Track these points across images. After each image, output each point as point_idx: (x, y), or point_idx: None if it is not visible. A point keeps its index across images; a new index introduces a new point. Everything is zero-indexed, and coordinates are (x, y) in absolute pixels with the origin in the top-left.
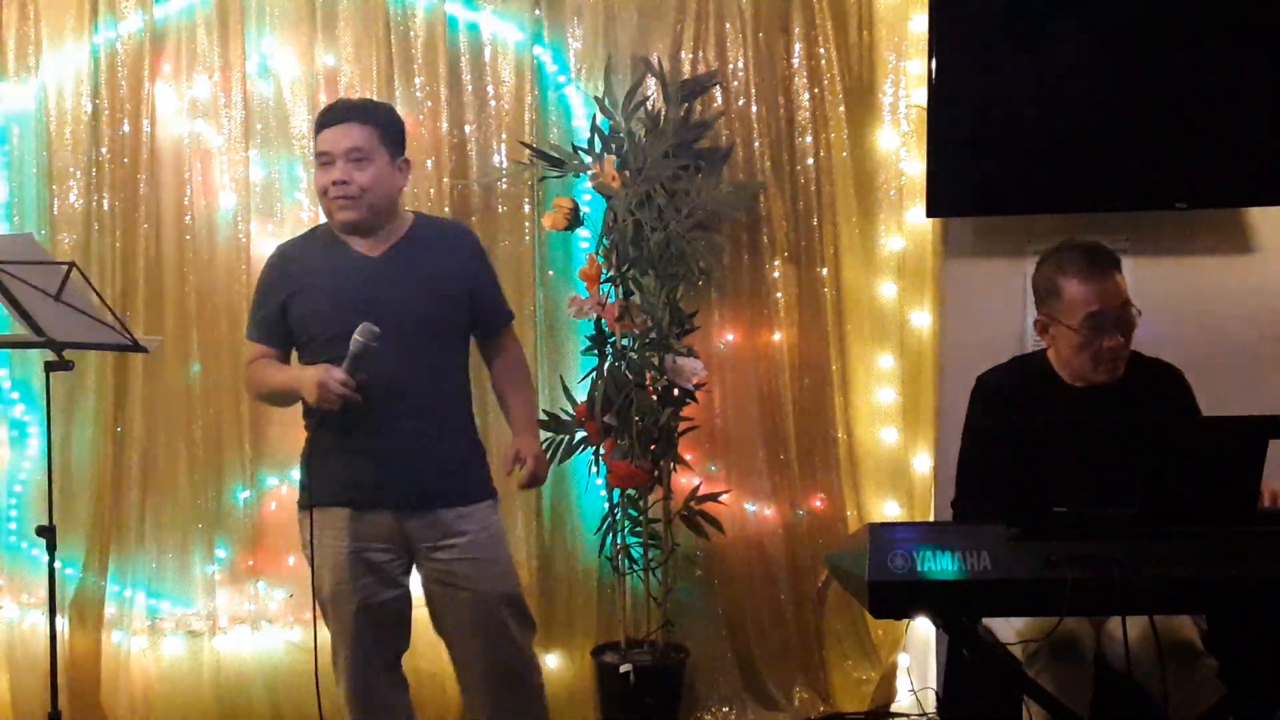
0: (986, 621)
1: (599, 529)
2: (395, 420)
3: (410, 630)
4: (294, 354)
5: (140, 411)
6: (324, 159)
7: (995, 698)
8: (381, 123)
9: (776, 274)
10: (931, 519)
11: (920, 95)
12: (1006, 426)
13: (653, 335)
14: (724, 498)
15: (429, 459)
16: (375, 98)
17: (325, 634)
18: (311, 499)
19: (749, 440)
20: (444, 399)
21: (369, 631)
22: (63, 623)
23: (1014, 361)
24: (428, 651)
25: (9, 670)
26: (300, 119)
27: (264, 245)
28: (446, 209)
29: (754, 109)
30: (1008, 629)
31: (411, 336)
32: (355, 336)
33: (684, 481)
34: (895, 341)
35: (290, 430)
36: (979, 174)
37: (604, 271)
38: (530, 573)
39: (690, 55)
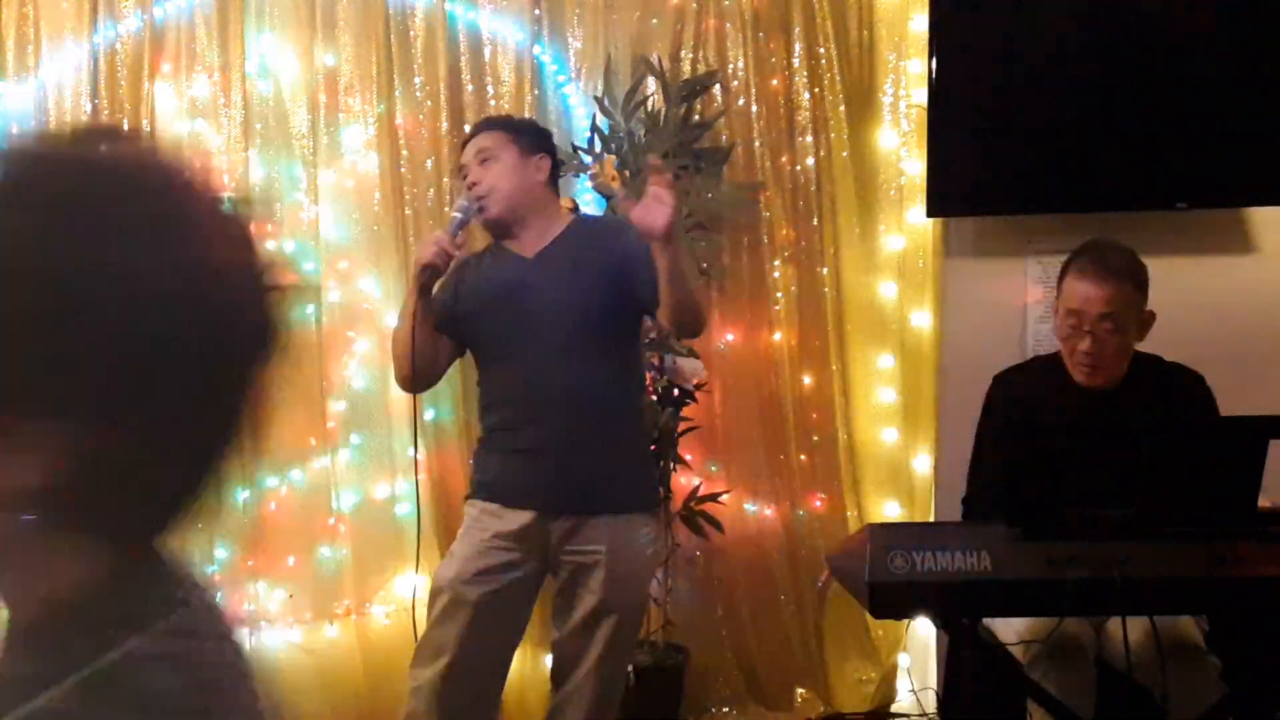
0: (987, 623)
1: None
2: (541, 420)
3: (519, 639)
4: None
5: None
6: (462, 173)
7: (997, 699)
8: (510, 126)
9: (776, 274)
10: (931, 519)
11: (920, 95)
12: (1010, 428)
13: (653, 335)
14: (724, 498)
15: (572, 464)
16: (375, 97)
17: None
18: (469, 492)
19: (749, 440)
20: (600, 403)
21: (479, 628)
22: None
23: (1032, 361)
24: None
25: None
26: (300, 119)
27: (263, 245)
28: (447, 209)
29: (754, 109)
30: (1008, 630)
31: (567, 337)
32: (457, 204)
33: (684, 481)
34: (895, 341)
35: (290, 430)
36: (979, 174)
37: None
38: None
39: (690, 55)
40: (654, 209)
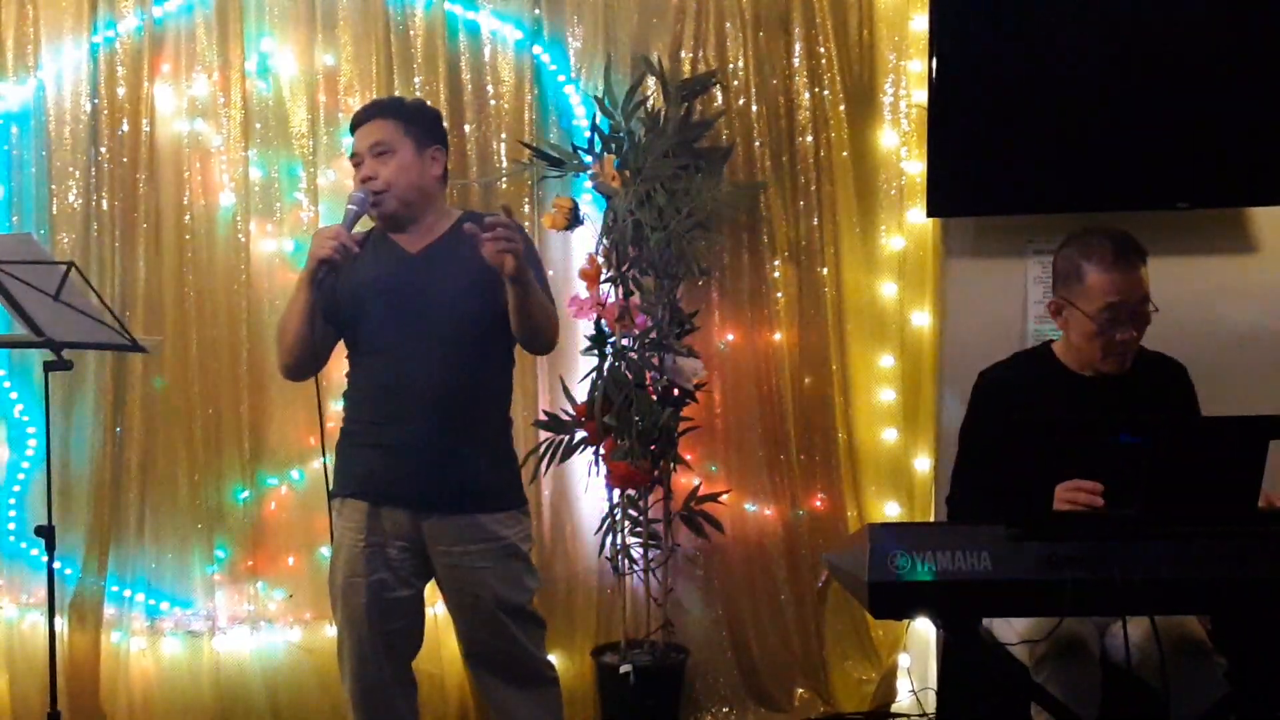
0: (986, 623)
1: (599, 529)
2: (416, 417)
3: (422, 633)
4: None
5: (139, 411)
6: (355, 160)
7: (997, 698)
8: (405, 115)
9: (776, 274)
10: (931, 519)
11: (921, 95)
12: (1007, 424)
13: (653, 335)
14: (724, 498)
15: (447, 461)
16: (375, 97)
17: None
18: (336, 489)
19: (749, 440)
20: (471, 401)
21: (378, 627)
22: (62, 623)
23: (1015, 356)
24: (426, 652)
25: (8, 670)
26: (299, 118)
27: (263, 245)
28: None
29: (754, 109)
30: (1009, 630)
31: (441, 336)
32: (351, 195)
33: (684, 481)
34: (895, 341)
35: (290, 430)
36: (979, 174)
37: (604, 271)
38: None
39: (690, 55)
40: (493, 253)
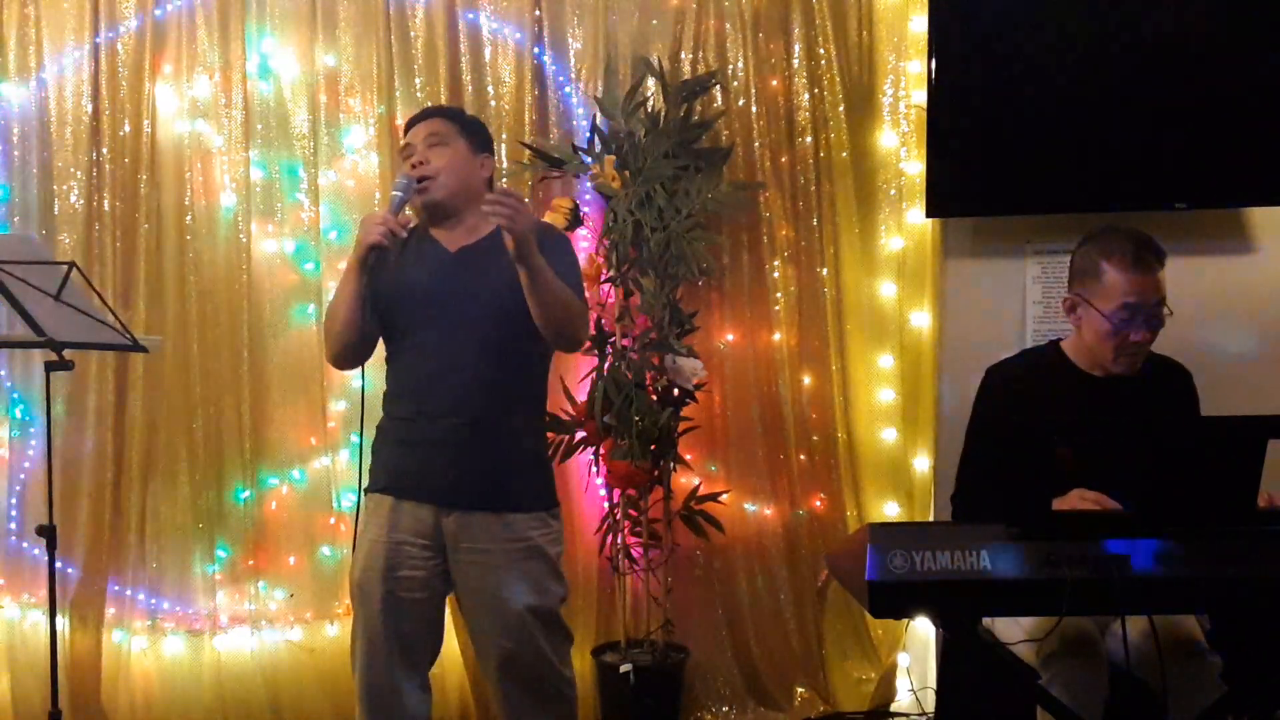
0: (988, 622)
1: (599, 529)
2: (446, 414)
3: (440, 641)
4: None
5: (140, 411)
6: (406, 152)
7: (998, 697)
8: (462, 119)
9: (776, 274)
10: (931, 519)
11: (920, 95)
12: (1008, 416)
13: (653, 335)
14: (724, 498)
15: (470, 459)
16: (375, 98)
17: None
18: (367, 484)
19: (749, 440)
20: (498, 401)
21: (391, 627)
22: (63, 622)
23: (1024, 353)
24: None
25: (9, 670)
26: (300, 119)
27: (264, 245)
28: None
29: (754, 109)
30: (1015, 628)
31: (473, 334)
32: (396, 182)
33: (684, 481)
34: (895, 341)
35: (290, 430)
36: (979, 174)
37: (604, 272)
38: None
39: (690, 55)
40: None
